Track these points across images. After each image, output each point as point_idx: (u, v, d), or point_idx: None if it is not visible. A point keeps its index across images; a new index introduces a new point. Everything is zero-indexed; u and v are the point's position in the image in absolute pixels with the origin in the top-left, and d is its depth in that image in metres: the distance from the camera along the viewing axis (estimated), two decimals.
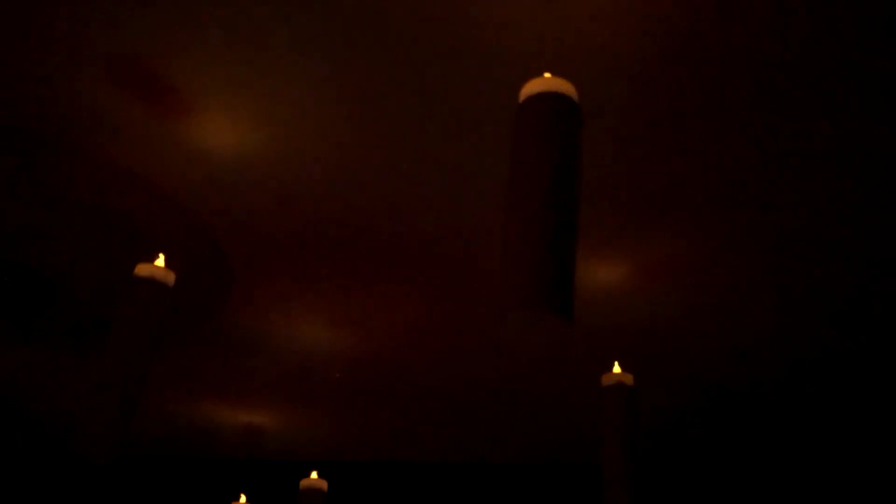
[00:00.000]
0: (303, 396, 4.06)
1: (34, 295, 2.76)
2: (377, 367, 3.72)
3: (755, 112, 2.33)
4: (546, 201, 1.26)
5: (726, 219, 2.70)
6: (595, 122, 2.33)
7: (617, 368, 2.79)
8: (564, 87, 1.35)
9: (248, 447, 4.69)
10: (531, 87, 1.34)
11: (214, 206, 2.75)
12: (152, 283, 2.02)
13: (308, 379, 3.86)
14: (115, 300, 2.40)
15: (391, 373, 3.77)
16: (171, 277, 2.06)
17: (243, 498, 3.85)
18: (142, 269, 2.05)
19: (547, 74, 1.34)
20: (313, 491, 3.01)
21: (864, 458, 4.09)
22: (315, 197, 2.72)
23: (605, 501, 2.64)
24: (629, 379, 2.74)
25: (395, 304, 3.25)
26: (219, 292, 3.12)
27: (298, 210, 2.78)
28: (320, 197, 2.72)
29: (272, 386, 3.91)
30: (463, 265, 3.01)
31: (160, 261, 2.09)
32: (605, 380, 2.75)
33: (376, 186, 2.67)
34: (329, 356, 3.61)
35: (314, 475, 3.04)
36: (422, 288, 3.15)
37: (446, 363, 3.65)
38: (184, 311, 3.17)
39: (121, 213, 2.60)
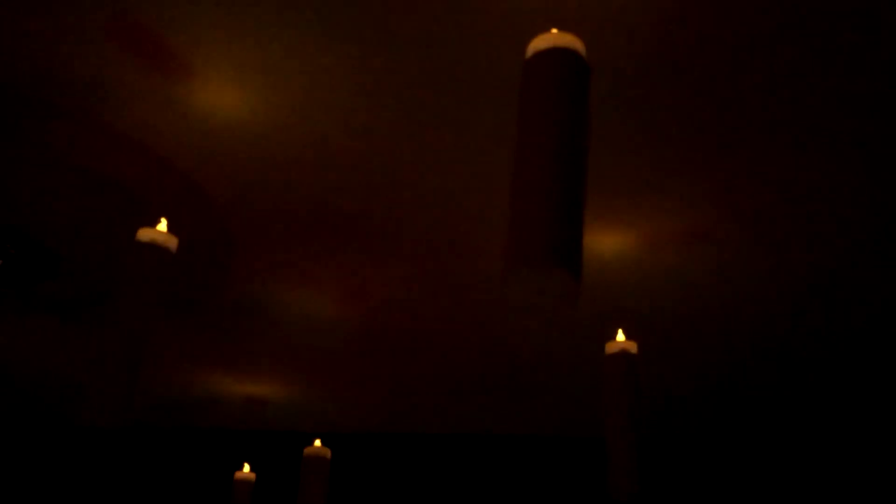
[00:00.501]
0: (304, 367, 4.07)
1: (37, 264, 2.75)
2: (379, 338, 3.72)
3: (769, 76, 2.30)
4: (554, 158, 1.24)
5: (734, 187, 2.68)
6: (601, 80, 2.31)
7: (621, 336, 2.79)
8: (572, 42, 1.33)
9: (250, 418, 4.71)
10: (538, 43, 1.33)
11: (215, 175, 2.74)
12: (154, 247, 2.01)
13: (309, 349, 3.86)
14: (117, 268, 2.39)
15: (393, 343, 3.77)
16: (173, 242, 2.05)
17: (247, 467, 3.87)
18: (144, 234, 2.04)
19: (554, 30, 1.32)
20: (317, 459, 3.02)
21: (864, 430, 4.10)
22: (316, 165, 2.70)
23: (608, 470, 2.65)
24: (633, 347, 2.75)
25: (398, 275, 3.25)
26: (219, 262, 3.11)
27: (299, 179, 2.77)
28: (321, 165, 2.70)
29: (274, 356, 3.91)
30: (466, 234, 3.00)
31: (162, 225, 2.08)
32: (609, 348, 2.75)
33: (379, 153, 2.65)
34: (330, 327, 3.61)
35: (318, 443, 3.05)
36: (425, 258, 3.14)
37: (449, 334, 3.65)
38: (185, 281, 3.16)
39: (122, 179, 2.58)
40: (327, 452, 3.05)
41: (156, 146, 2.57)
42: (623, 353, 2.74)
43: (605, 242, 2.90)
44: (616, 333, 2.73)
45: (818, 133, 2.47)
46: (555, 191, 1.21)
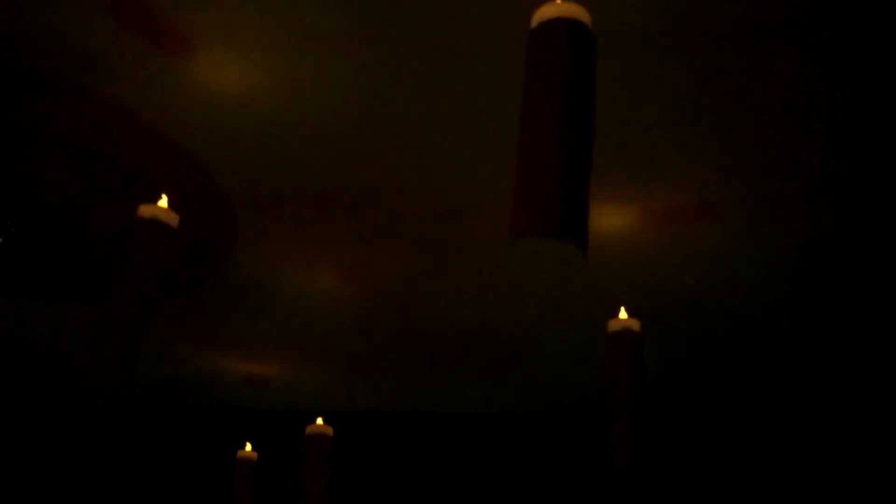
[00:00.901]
0: (306, 346, 4.06)
1: (38, 242, 2.74)
2: (380, 316, 3.71)
3: (779, 54, 2.28)
4: (560, 129, 1.23)
5: (740, 164, 2.66)
6: (606, 56, 2.29)
7: (623, 314, 2.78)
8: (578, 12, 1.32)
9: (252, 397, 4.72)
10: (543, 13, 1.31)
11: (218, 152, 2.72)
12: (156, 223, 2.00)
13: (311, 328, 3.86)
14: (118, 245, 2.38)
15: (394, 322, 3.77)
16: (174, 219, 2.04)
17: (249, 446, 3.87)
18: (145, 210, 2.03)
19: (559, 0, 1.31)
20: (319, 437, 3.02)
21: (865, 402, 4.10)
22: (320, 144, 2.68)
23: (610, 446, 2.65)
24: (635, 325, 2.74)
25: (400, 253, 3.24)
26: (223, 240, 3.09)
27: (302, 157, 2.75)
28: (325, 144, 2.68)
29: (275, 335, 3.91)
30: (469, 213, 2.98)
31: (163, 202, 2.07)
32: (612, 325, 2.75)
33: (382, 130, 2.63)
34: (332, 305, 3.60)
35: (319, 421, 3.05)
36: (427, 236, 3.13)
37: (452, 311, 3.65)
38: (188, 260, 3.15)
39: (123, 157, 2.56)
40: (329, 430, 3.05)
41: (158, 123, 2.55)
42: (626, 331, 2.74)
43: (609, 219, 2.89)
44: (619, 311, 2.72)
45: (827, 111, 2.45)
46: (560, 161, 1.20)
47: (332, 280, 3.44)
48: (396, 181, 2.85)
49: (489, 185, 2.82)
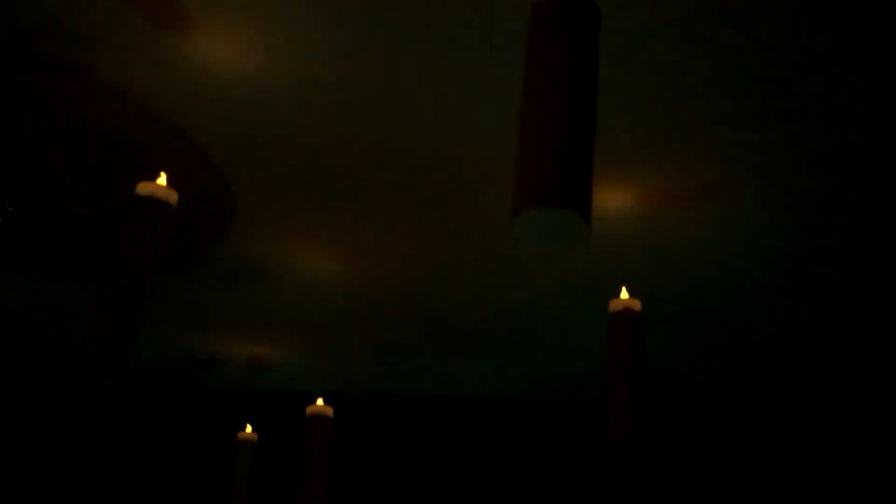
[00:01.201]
0: (306, 327, 4.05)
1: (36, 222, 2.72)
2: (380, 297, 3.70)
3: (783, 32, 2.25)
4: (564, 100, 1.21)
5: (745, 144, 2.64)
6: (609, 34, 2.27)
7: (625, 294, 2.77)
8: None
9: (252, 379, 4.71)
10: None
11: (215, 129, 2.70)
12: (154, 201, 1.98)
13: (311, 309, 3.84)
14: (116, 224, 2.37)
15: (394, 303, 3.75)
16: (173, 196, 2.02)
17: (249, 428, 3.87)
18: (143, 188, 2.01)
19: None
20: (320, 417, 3.02)
21: (870, 381, 4.09)
22: (319, 121, 2.66)
23: (611, 425, 2.65)
24: (636, 305, 2.73)
25: (403, 234, 3.22)
26: (221, 220, 3.08)
27: (301, 133, 2.73)
28: (325, 121, 2.66)
29: (276, 316, 3.90)
30: (469, 188, 2.96)
31: (162, 179, 2.05)
32: (613, 306, 2.74)
33: (381, 108, 2.61)
34: (332, 286, 3.58)
35: (320, 402, 3.04)
36: (430, 215, 3.11)
37: (454, 293, 3.63)
38: (186, 240, 3.13)
39: (121, 135, 2.54)
40: (329, 411, 3.05)
41: (155, 100, 2.53)
42: (627, 311, 2.73)
43: (610, 199, 2.87)
44: (620, 292, 2.71)
45: (832, 91, 2.43)
46: (564, 132, 1.18)
47: (331, 260, 3.42)
48: (401, 157, 2.83)
49: (493, 162, 2.80)
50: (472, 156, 2.78)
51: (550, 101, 1.21)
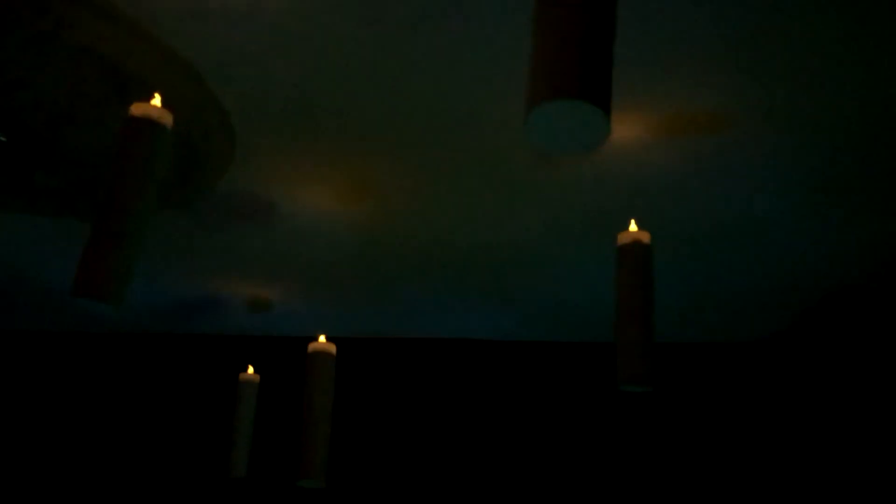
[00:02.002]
0: (309, 268, 4.00)
1: (30, 153, 2.66)
2: (386, 238, 3.63)
3: None
4: None
5: (760, 72, 2.55)
6: None
7: (633, 227, 2.71)
8: None
9: (254, 323, 4.68)
10: None
11: (215, 60, 2.61)
12: (149, 122, 1.91)
13: (313, 251, 3.79)
14: (111, 153, 2.30)
15: (400, 243, 3.69)
16: (168, 118, 1.95)
17: (251, 369, 3.84)
18: (137, 109, 1.94)
19: None
20: (323, 354, 2.98)
21: (879, 322, 4.05)
22: (321, 53, 2.57)
23: (618, 361, 2.61)
24: (646, 237, 2.67)
25: (406, 171, 3.14)
26: (221, 156, 3.01)
27: (303, 67, 2.63)
28: (327, 54, 2.57)
29: (277, 257, 3.84)
30: (478, 128, 2.87)
31: (156, 101, 1.98)
32: (621, 238, 2.68)
33: (386, 41, 2.51)
34: (334, 226, 3.52)
35: (322, 339, 3.00)
36: (434, 153, 3.03)
37: (455, 234, 3.57)
38: (184, 176, 3.07)
39: (118, 62, 2.46)
40: (332, 348, 3.01)
41: (151, 27, 2.44)
42: (635, 244, 2.67)
43: (616, 130, 2.79)
44: (629, 225, 2.65)
45: (848, 22, 2.34)
46: (583, 20, 1.11)
47: (333, 199, 3.35)
48: (400, 95, 2.74)
49: (499, 97, 2.71)
50: (482, 91, 2.69)
51: None
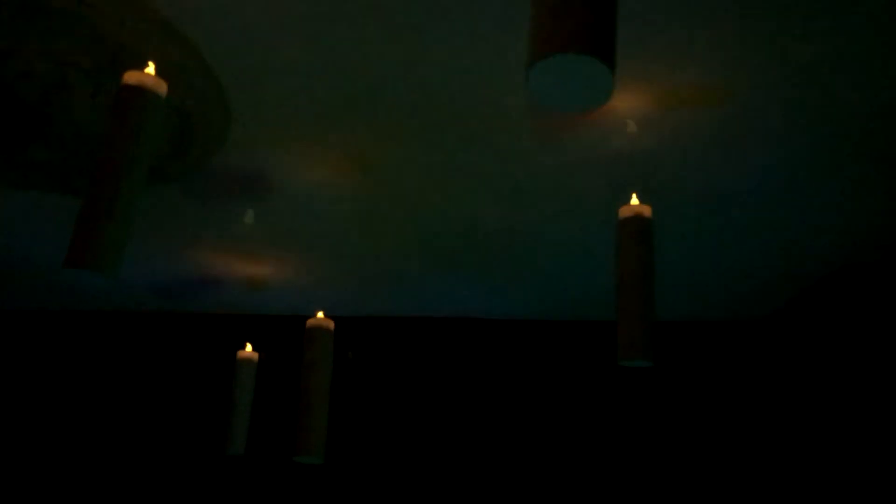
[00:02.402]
0: (308, 245, 3.97)
1: (22, 125, 2.62)
2: (386, 214, 3.59)
3: None
4: None
5: (766, 41, 2.51)
6: None
7: (635, 200, 2.68)
8: None
9: (253, 301, 4.65)
10: None
11: (209, 28, 2.55)
12: (142, 91, 1.88)
13: (311, 228, 3.75)
14: (105, 124, 2.26)
15: (402, 220, 3.65)
16: (162, 87, 1.92)
17: (249, 346, 3.82)
18: (130, 77, 1.90)
19: None
20: (321, 330, 2.96)
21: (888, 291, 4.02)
22: (320, 18, 2.51)
23: (618, 339, 2.59)
24: (647, 211, 2.64)
25: (409, 145, 3.08)
26: (217, 129, 2.96)
27: (304, 39, 2.57)
28: (325, 18, 2.52)
29: (275, 234, 3.81)
30: (483, 100, 2.81)
31: (150, 69, 1.94)
32: (623, 212, 2.65)
33: (389, 14, 2.46)
34: (332, 202, 3.48)
35: (320, 315, 2.98)
36: (438, 126, 2.96)
37: (463, 209, 3.52)
38: (180, 151, 3.03)
39: (114, 35, 2.41)
40: (330, 324, 2.99)
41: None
42: (637, 217, 2.64)
43: (616, 102, 2.75)
44: (630, 198, 2.62)
45: None
46: None
47: (333, 173, 3.30)
48: (403, 68, 2.68)
49: (506, 66, 2.64)
50: (490, 60, 2.64)
51: None
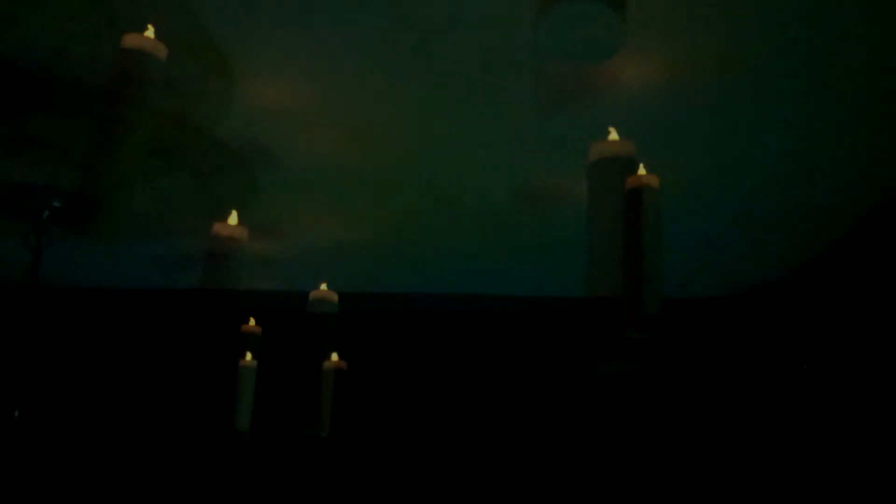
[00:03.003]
0: (309, 221, 3.94)
1: (21, 93, 2.59)
2: (393, 183, 3.54)
3: None
4: None
5: (777, 8, 2.46)
6: None
7: (641, 170, 2.65)
8: None
9: (256, 276, 4.63)
10: None
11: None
12: (142, 54, 1.85)
13: (313, 200, 3.72)
14: (105, 90, 2.22)
15: (414, 191, 3.60)
16: (162, 50, 1.89)
17: (252, 321, 3.82)
18: (130, 41, 1.87)
19: None
20: (324, 302, 2.94)
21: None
22: None
23: (624, 311, 2.57)
24: (655, 181, 2.61)
25: (420, 108, 3.00)
26: (218, 98, 2.93)
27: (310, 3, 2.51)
28: None
29: (279, 205, 3.77)
30: (500, 62, 2.72)
31: (150, 32, 1.91)
32: (630, 183, 2.62)
33: None
34: (337, 172, 3.44)
35: (324, 287, 2.96)
36: (453, 87, 2.86)
37: (479, 179, 3.46)
38: (180, 122, 3.00)
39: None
40: (334, 296, 2.97)
41: None
42: (644, 188, 2.61)
43: (625, 70, 2.70)
44: (637, 168, 2.59)
45: None
46: None
47: (335, 141, 3.25)
48: (412, 15, 2.56)
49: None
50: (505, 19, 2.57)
51: None
